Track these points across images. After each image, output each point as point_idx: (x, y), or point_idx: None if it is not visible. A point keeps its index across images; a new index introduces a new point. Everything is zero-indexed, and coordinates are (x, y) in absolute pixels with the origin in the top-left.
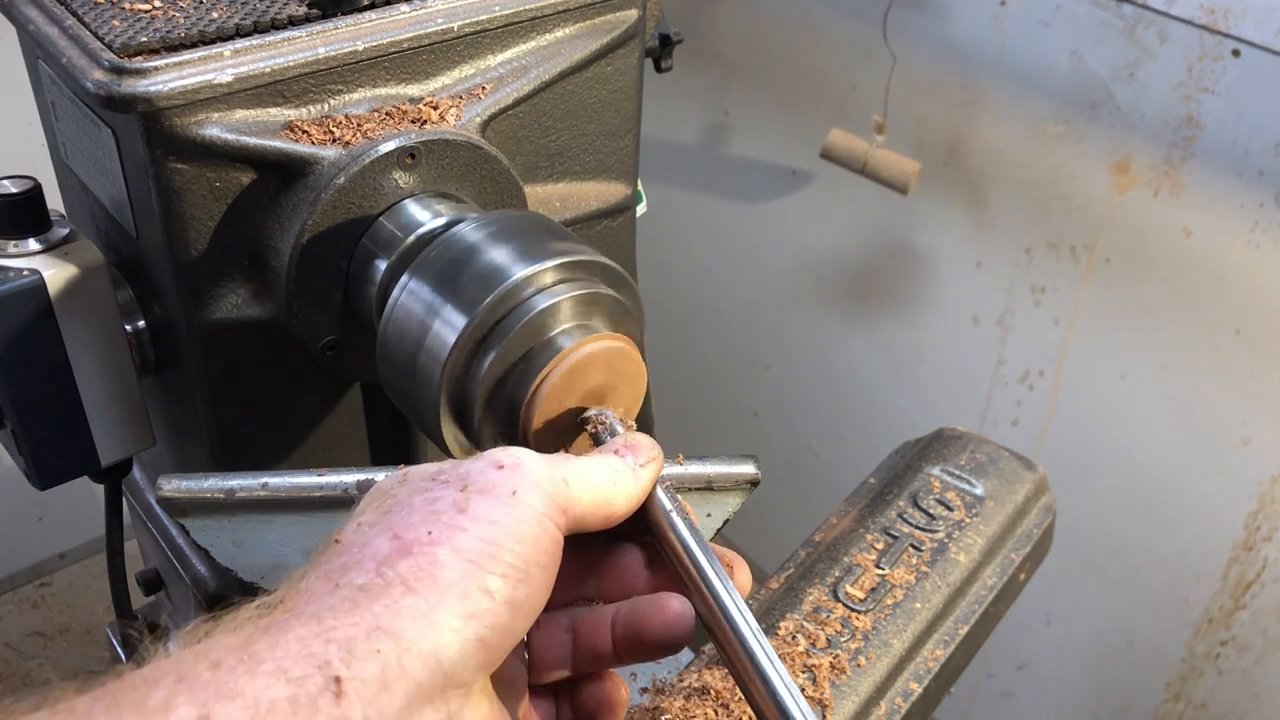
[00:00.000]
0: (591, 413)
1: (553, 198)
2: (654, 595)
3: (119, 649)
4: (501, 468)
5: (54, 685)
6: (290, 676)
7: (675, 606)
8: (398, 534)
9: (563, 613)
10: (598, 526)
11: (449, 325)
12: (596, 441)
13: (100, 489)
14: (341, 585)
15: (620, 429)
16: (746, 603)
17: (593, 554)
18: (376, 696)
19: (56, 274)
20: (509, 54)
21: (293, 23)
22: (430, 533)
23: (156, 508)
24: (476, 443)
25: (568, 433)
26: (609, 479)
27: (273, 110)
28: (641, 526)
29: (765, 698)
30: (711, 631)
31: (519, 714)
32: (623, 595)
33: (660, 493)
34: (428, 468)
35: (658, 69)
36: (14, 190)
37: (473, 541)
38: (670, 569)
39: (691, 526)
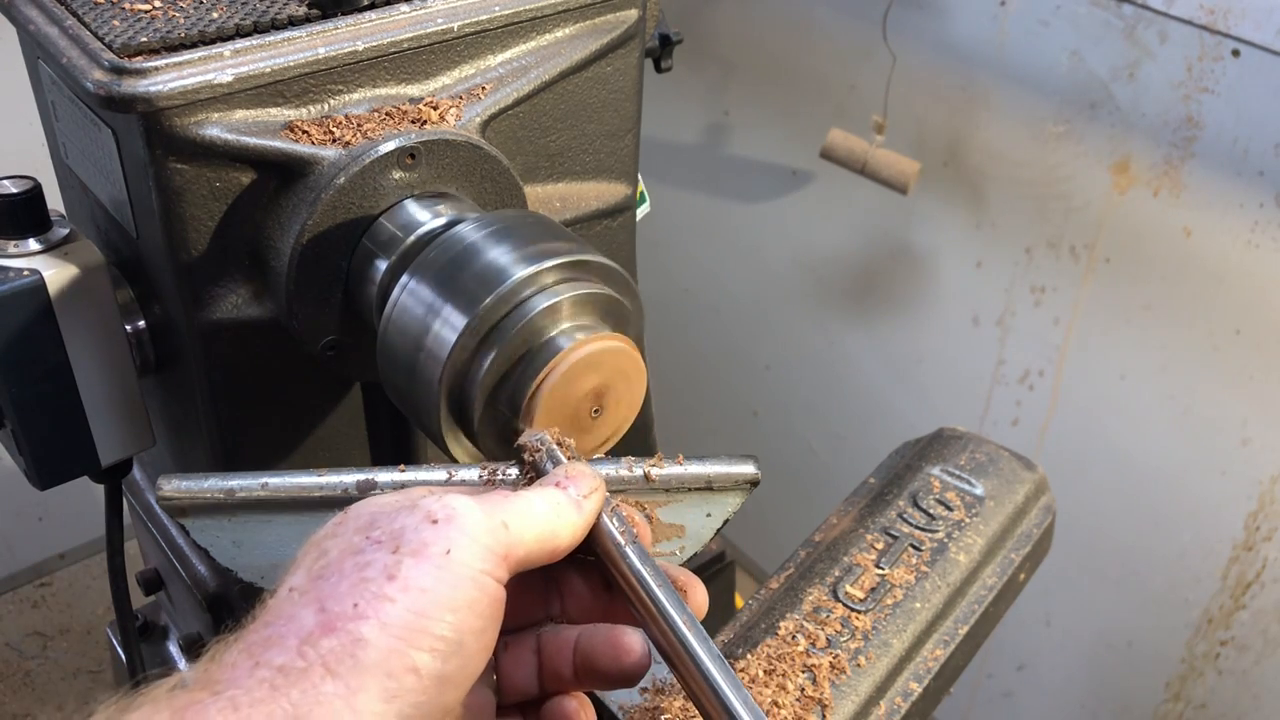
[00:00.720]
0: (527, 439)
1: (553, 198)
2: (610, 629)
3: (119, 649)
4: (436, 522)
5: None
6: None
7: (627, 642)
8: (323, 606)
9: (530, 634)
10: (544, 562)
11: (449, 325)
12: (536, 470)
13: (100, 489)
14: (261, 664)
15: (561, 456)
16: (702, 625)
17: (555, 575)
18: None
19: (56, 274)
20: (509, 54)
21: (293, 23)
22: (356, 605)
23: (156, 508)
24: (476, 443)
25: (567, 434)
26: (551, 513)
27: (273, 110)
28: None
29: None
30: (669, 659)
31: None
32: (585, 615)
33: (607, 520)
34: (364, 513)
35: (658, 69)
36: (14, 190)
37: (400, 614)
38: (623, 598)
39: (642, 552)
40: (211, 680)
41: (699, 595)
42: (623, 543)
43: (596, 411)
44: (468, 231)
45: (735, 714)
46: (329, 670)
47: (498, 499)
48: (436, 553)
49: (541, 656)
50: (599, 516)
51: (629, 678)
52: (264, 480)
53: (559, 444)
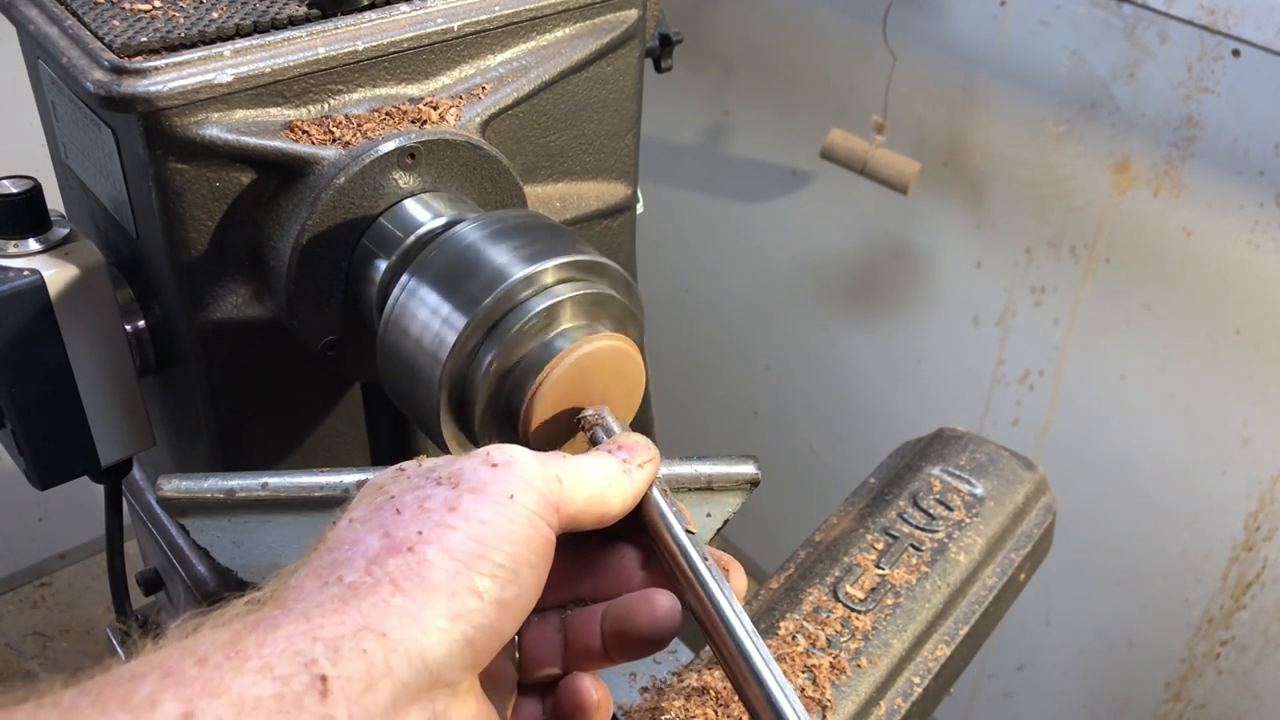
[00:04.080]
0: (588, 412)
1: (553, 198)
2: (643, 591)
3: (119, 649)
4: (495, 465)
5: (42, 679)
6: (276, 674)
7: (663, 602)
8: (388, 532)
9: (555, 612)
10: (591, 526)
11: (449, 325)
12: (593, 441)
13: (100, 489)
14: (330, 583)
15: (617, 428)
16: (743, 605)
17: (589, 555)
18: (362, 695)
19: (56, 274)
20: (509, 54)
21: (293, 23)
22: (420, 532)
23: (156, 508)
24: (476, 443)
25: (567, 432)
26: (603, 478)
27: (273, 110)
28: (637, 527)
29: (761, 700)
30: (707, 632)
31: (507, 712)
32: (617, 596)
33: (656, 494)
34: (423, 464)
35: (658, 69)
36: (14, 190)
37: (462, 541)
38: (666, 570)
39: (688, 528)
40: (281, 599)
41: (739, 577)
42: (670, 516)
43: None
44: (468, 231)
45: (770, 692)
46: (396, 586)
47: (554, 457)
48: (495, 491)
49: (567, 633)
50: (650, 488)
51: (662, 636)
52: (264, 480)
53: (617, 420)
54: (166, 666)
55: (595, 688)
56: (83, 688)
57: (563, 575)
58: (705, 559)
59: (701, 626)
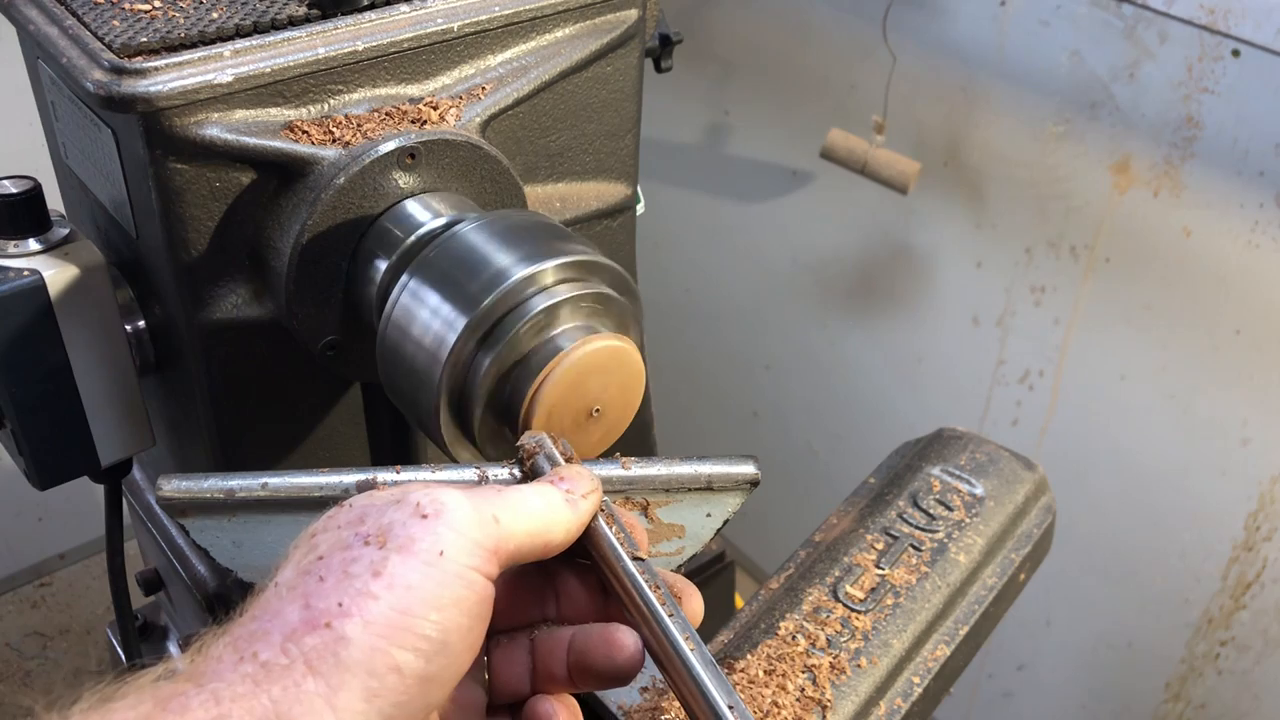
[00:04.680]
0: (527, 441)
1: (553, 198)
2: (604, 626)
3: (119, 649)
4: (425, 517)
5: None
6: None
7: (625, 642)
8: (309, 602)
9: (525, 634)
10: (537, 557)
11: (449, 325)
12: (534, 470)
13: (100, 489)
14: (245, 659)
15: (559, 458)
16: (698, 632)
17: (554, 575)
18: None
19: (56, 274)
20: (509, 54)
21: (293, 23)
22: (340, 604)
23: (156, 508)
24: (476, 443)
25: (567, 433)
26: (545, 510)
27: (273, 110)
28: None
29: None
30: (660, 664)
31: None
32: (582, 618)
33: (603, 524)
34: (357, 507)
35: (658, 69)
36: (14, 190)
37: (384, 611)
38: (616, 600)
39: (636, 555)
40: (196, 672)
41: (695, 603)
42: (618, 546)
43: (596, 411)
44: (468, 231)
45: (722, 716)
46: (311, 668)
47: (490, 493)
48: (424, 549)
49: (535, 657)
50: (595, 519)
51: (622, 675)
52: (264, 480)
53: (558, 446)
54: None
55: (560, 709)
56: None
57: (529, 597)
58: (658, 587)
59: (655, 659)
